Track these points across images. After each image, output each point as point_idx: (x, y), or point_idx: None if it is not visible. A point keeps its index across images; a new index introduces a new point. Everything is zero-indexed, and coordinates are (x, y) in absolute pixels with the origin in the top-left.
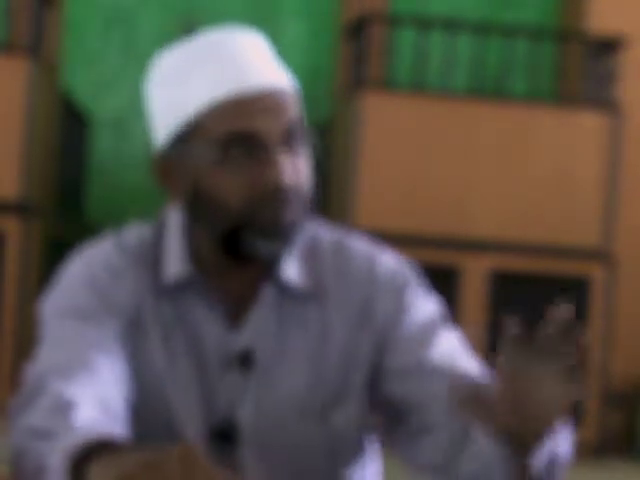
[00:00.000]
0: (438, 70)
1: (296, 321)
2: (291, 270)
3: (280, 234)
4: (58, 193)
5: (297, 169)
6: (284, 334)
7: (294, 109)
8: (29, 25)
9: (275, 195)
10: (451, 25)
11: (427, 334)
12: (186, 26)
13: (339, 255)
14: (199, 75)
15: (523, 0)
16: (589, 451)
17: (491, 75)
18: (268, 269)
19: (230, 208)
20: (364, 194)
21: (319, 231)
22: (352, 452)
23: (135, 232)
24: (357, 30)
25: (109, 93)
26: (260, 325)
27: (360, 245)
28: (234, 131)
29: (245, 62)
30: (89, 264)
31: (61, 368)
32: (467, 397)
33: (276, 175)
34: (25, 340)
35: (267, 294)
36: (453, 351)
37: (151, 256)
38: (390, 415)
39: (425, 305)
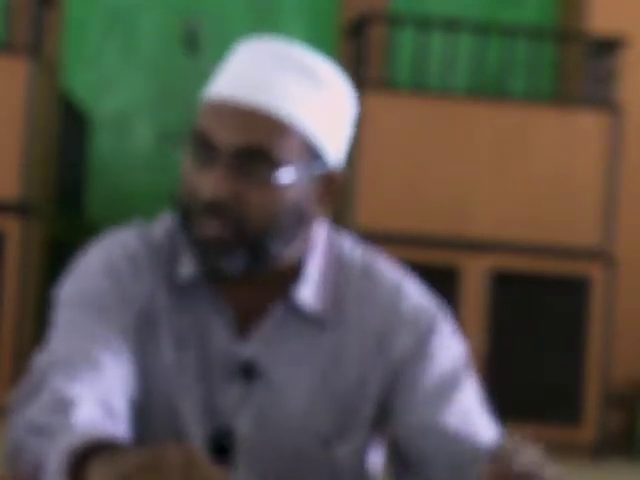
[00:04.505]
0: (438, 70)
1: (307, 343)
2: (306, 292)
3: (204, 251)
4: (58, 193)
5: (245, 191)
6: (292, 353)
7: (275, 137)
8: (29, 25)
9: (203, 208)
10: (451, 25)
11: (445, 390)
12: (186, 26)
13: (365, 280)
14: (221, 71)
15: (523, 0)
16: (589, 451)
17: (491, 75)
18: (280, 286)
19: (179, 210)
20: (364, 194)
21: (349, 250)
22: (352, 478)
23: (162, 225)
24: (357, 30)
25: (109, 93)
26: (266, 340)
27: (389, 272)
28: (196, 131)
29: (248, 74)
30: (110, 252)
31: (66, 363)
32: None
33: (207, 187)
34: (25, 340)
35: (276, 311)
36: (468, 412)
37: (171, 252)
38: (396, 459)
39: (448, 352)
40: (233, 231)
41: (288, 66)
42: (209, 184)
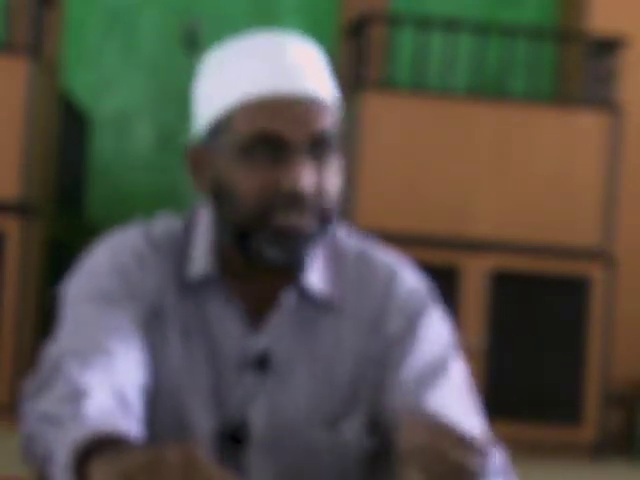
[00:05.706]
0: (438, 70)
1: (313, 328)
2: (314, 277)
3: (290, 241)
4: (58, 193)
5: (322, 179)
6: (301, 340)
7: (329, 120)
8: (29, 25)
9: (289, 200)
10: (451, 25)
11: (431, 374)
12: (186, 26)
13: (361, 265)
14: (240, 70)
15: (523, 0)
16: (589, 451)
17: (491, 75)
18: (291, 274)
19: (244, 207)
20: (364, 194)
21: (344, 238)
22: (359, 463)
23: (165, 224)
24: (357, 30)
25: (109, 93)
26: (279, 329)
27: (384, 257)
28: (259, 131)
29: (287, 65)
30: (116, 250)
31: (78, 353)
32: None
33: (293, 180)
34: (25, 340)
35: (288, 299)
36: (451, 397)
37: (178, 250)
38: (380, 444)
39: (436, 337)
40: (317, 221)
41: (306, 52)
42: (297, 178)
